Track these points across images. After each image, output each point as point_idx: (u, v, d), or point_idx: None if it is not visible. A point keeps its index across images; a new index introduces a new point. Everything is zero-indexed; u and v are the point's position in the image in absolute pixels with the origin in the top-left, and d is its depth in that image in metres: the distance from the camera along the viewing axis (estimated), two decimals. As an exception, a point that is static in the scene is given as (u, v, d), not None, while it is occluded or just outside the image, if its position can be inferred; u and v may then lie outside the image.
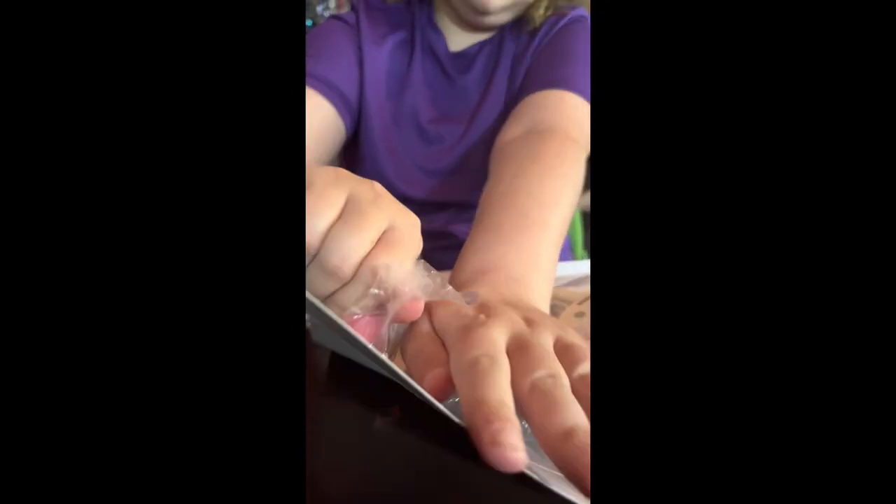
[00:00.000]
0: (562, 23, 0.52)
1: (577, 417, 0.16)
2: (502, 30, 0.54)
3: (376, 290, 0.19)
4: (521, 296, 0.25)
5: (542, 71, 0.49)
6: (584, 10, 0.55)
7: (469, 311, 0.21)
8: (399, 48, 0.54)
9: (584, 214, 0.92)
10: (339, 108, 0.50)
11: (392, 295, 0.20)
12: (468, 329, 0.19)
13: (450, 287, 0.22)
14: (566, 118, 0.43)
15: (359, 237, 0.20)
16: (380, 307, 0.20)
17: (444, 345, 0.20)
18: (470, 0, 0.49)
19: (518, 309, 0.22)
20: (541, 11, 0.52)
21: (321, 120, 0.49)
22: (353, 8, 0.55)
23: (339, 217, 0.20)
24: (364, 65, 0.51)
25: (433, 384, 0.18)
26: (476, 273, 0.27)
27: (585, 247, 0.70)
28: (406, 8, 0.56)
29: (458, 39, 0.55)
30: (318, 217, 0.19)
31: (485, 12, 0.49)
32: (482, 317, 0.20)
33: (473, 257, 0.28)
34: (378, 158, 0.54)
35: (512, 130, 0.43)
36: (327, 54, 0.50)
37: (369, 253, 0.20)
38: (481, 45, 0.55)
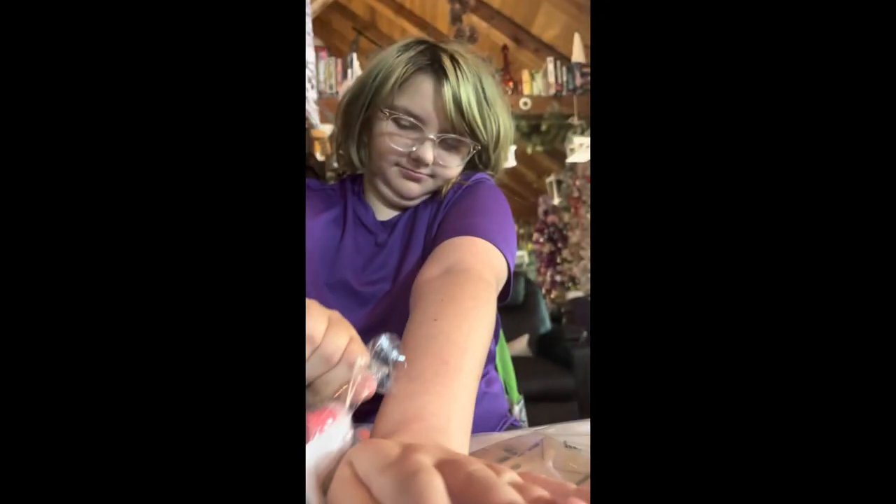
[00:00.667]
0: (467, 184, 0.62)
1: (515, 496, 0.17)
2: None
3: (356, 370, 0.29)
4: (443, 444, 0.27)
5: (454, 221, 0.56)
6: (484, 174, 0.65)
7: (391, 450, 0.22)
8: (333, 223, 0.64)
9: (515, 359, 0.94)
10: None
11: (360, 376, 0.29)
12: (395, 459, 0.21)
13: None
14: (479, 261, 0.48)
15: (343, 337, 0.31)
16: (341, 396, 0.29)
17: (366, 488, 0.21)
18: (396, 189, 0.60)
19: (437, 452, 0.24)
20: (449, 187, 0.62)
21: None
22: None
23: (329, 326, 0.31)
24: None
25: None
26: (399, 424, 0.28)
27: (520, 390, 0.76)
28: (339, 188, 0.67)
29: (385, 212, 0.64)
30: (317, 325, 0.30)
31: (408, 198, 0.60)
32: (407, 448, 0.22)
33: (396, 407, 0.30)
34: None
35: (431, 270, 0.47)
36: None
37: (347, 347, 0.31)
38: (400, 215, 0.64)
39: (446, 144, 0.58)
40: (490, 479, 0.18)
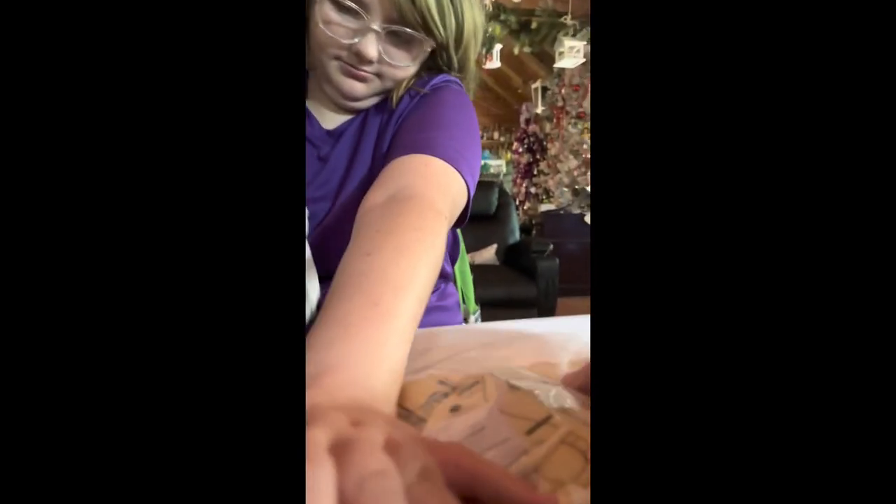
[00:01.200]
0: (426, 89, 0.53)
1: None
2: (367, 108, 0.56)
3: None
4: (360, 398, 0.23)
5: (408, 135, 0.48)
6: (449, 75, 0.55)
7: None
8: None
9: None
10: None
11: None
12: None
13: None
14: (431, 185, 0.42)
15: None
16: None
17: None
18: (337, 87, 0.51)
19: (348, 411, 0.20)
20: (401, 92, 0.53)
21: None
22: None
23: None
24: None
25: None
26: (316, 375, 0.24)
27: (479, 300, 0.71)
28: None
29: (331, 117, 0.56)
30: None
31: (353, 99, 0.52)
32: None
33: (316, 355, 0.25)
34: None
35: (375, 196, 0.40)
36: None
37: None
38: (350, 122, 0.56)
39: (395, 38, 0.48)
40: (385, 495, 0.15)
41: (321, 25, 0.47)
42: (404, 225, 0.36)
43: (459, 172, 0.44)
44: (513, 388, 0.25)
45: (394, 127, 0.52)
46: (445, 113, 0.50)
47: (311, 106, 0.56)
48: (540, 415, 0.22)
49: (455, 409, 0.25)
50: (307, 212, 0.51)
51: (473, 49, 0.54)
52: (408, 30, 0.47)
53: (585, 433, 0.21)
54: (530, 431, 0.22)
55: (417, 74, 0.54)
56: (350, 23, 0.47)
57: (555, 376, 0.28)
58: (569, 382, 0.27)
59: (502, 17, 2.88)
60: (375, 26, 0.46)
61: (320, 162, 0.54)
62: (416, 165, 0.43)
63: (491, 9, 2.89)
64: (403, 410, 0.26)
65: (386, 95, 0.54)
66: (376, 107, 0.54)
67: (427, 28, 0.48)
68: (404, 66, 0.50)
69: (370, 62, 0.48)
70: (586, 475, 0.19)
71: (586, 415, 0.23)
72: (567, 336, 0.38)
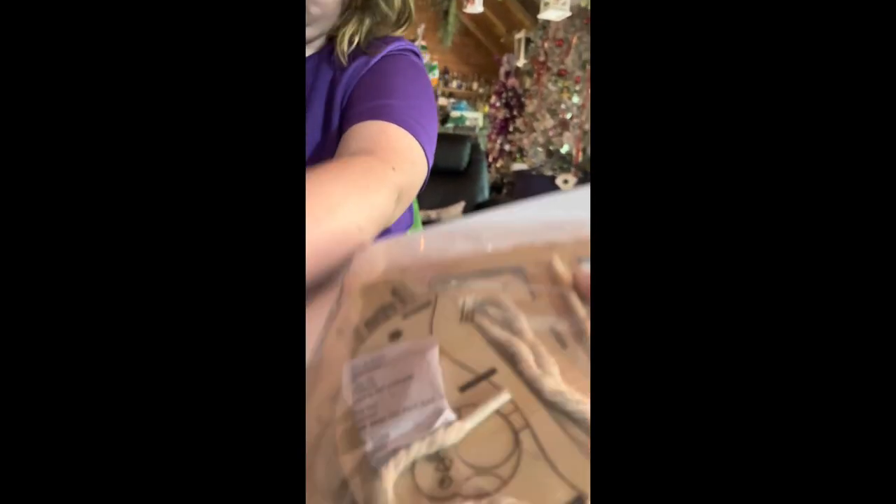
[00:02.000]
0: (381, 54, 0.51)
1: None
2: (320, 54, 0.54)
3: None
4: None
5: (363, 103, 0.47)
6: (404, 41, 0.54)
7: None
8: None
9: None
10: None
11: None
12: None
13: None
14: (387, 149, 0.40)
15: None
16: None
17: None
18: None
19: None
20: (345, 46, 0.51)
21: None
22: None
23: None
24: None
25: None
26: None
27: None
28: None
29: None
30: None
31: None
32: None
33: None
34: None
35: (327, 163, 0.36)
36: None
37: None
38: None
39: None
40: None
41: None
42: (350, 167, 0.34)
43: (418, 141, 0.43)
44: (466, 318, 0.19)
45: (345, 86, 0.50)
46: (402, 81, 0.49)
47: None
48: (482, 365, 0.17)
49: (394, 336, 0.20)
50: None
51: None
52: None
53: (531, 403, 0.16)
54: (464, 388, 0.17)
55: (368, 37, 0.52)
56: None
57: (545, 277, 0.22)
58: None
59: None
60: None
61: None
62: (372, 132, 0.42)
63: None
64: (348, 323, 0.22)
65: (331, 47, 0.53)
66: (326, 60, 0.53)
67: None
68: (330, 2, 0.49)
69: None
70: (509, 467, 0.15)
71: (549, 367, 0.17)
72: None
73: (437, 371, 0.17)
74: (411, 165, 0.41)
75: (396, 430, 0.16)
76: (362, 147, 0.40)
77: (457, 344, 0.18)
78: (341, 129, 0.46)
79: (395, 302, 0.21)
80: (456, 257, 0.22)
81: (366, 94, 0.47)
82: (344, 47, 0.51)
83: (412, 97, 0.47)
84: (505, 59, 4.06)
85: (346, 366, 0.20)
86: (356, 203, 0.29)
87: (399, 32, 0.56)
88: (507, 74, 4.03)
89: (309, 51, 0.55)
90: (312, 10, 0.49)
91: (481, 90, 5.18)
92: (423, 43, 4.27)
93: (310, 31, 0.51)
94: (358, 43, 0.52)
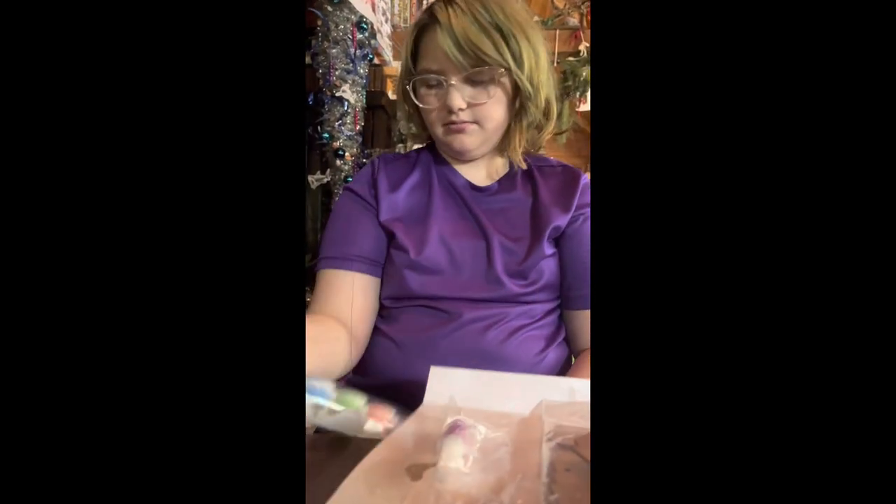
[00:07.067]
0: (587, 209, 0.63)
1: None
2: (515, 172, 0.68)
3: None
4: None
5: (585, 275, 0.60)
6: (586, 176, 0.66)
7: None
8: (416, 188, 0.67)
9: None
10: (371, 272, 0.62)
11: None
12: None
13: None
14: None
15: None
16: None
17: None
18: (448, 146, 0.63)
19: None
20: (516, 145, 0.64)
21: (361, 290, 0.61)
22: (372, 165, 0.69)
23: None
24: (380, 217, 0.64)
25: None
26: None
27: None
28: (416, 154, 0.70)
29: (472, 172, 0.68)
30: None
31: (463, 152, 0.63)
32: None
33: None
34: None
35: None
36: (352, 234, 0.63)
37: None
38: (500, 182, 0.67)
39: (472, 83, 0.58)
40: None
41: (421, 101, 0.61)
42: None
43: None
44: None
45: (548, 196, 0.64)
46: None
47: (461, 169, 0.68)
48: None
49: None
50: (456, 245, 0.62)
51: (539, 72, 0.62)
52: (476, 70, 0.57)
53: None
54: None
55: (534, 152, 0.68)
56: (438, 91, 0.60)
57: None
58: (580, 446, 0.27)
59: (596, 61, 2.88)
60: (454, 81, 0.58)
61: (469, 213, 0.65)
62: None
63: (585, 53, 2.89)
64: None
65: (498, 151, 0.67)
66: (520, 181, 0.67)
67: (486, 60, 0.56)
68: (492, 104, 0.60)
69: (461, 110, 0.59)
70: None
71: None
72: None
73: None
74: None
75: None
76: None
77: None
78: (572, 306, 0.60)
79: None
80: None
81: (583, 265, 0.60)
82: (516, 147, 0.64)
83: None
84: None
85: None
86: None
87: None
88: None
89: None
90: (488, 126, 0.62)
91: (594, 180, 5.24)
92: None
93: (484, 146, 0.64)
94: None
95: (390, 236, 0.63)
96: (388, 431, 0.32)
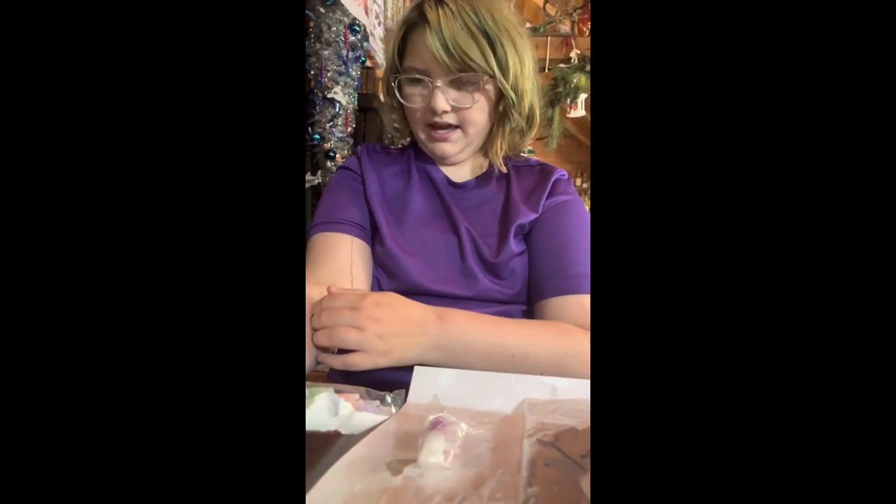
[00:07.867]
0: (556, 200, 0.64)
1: None
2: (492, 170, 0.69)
3: None
4: None
5: (553, 264, 0.59)
6: (561, 171, 0.68)
7: None
8: (396, 176, 0.68)
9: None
10: (364, 238, 0.62)
11: None
12: None
13: None
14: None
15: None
16: None
17: None
18: (432, 151, 0.65)
19: None
20: (498, 150, 0.65)
21: (359, 253, 0.60)
22: (356, 154, 0.70)
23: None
24: (368, 194, 0.65)
25: None
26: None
27: None
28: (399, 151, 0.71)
29: (452, 170, 0.69)
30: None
31: (445, 158, 0.64)
32: None
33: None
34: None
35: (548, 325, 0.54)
36: (346, 203, 0.64)
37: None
38: (477, 179, 0.68)
39: (457, 85, 0.58)
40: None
41: (405, 99, 0.61)
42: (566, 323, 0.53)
43: None
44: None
45: (519, 194, 0.64)
46: (581, 235, 0.60)
47: (442, 166, 0.68)
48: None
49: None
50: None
51: (525, 80, 0.62)
52: (462, 74, 0.57)
53: None
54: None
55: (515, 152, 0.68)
56: (422, 91, 0.59)
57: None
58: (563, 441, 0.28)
59: (587, 67, 2.91)
60: (439, 83, 0.57)
61: (444, 205, 0.65)
62: (574, 307, 0.55)
63: (576, 60, 2.92)
64: None
65: (493, 170, 0.67)
66: (495, 181, 0.67)
67: (472, 66, 0.56)
68: (477, 109, 0.60)
69: (445, 112, 0.59)
70: None
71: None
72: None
73: None
74: None
75: None
76: (579, 323, 0.52)
77: None
78: (540, 294, 0.59)
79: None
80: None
81: (554, 253, 0.59)
82: (498, 153, 0.65)
83: (587, 252, 0.58)
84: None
85: None
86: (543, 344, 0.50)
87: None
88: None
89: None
90: (471, 132, 0.62)
91: (584, 185, 5.28)
92: (530, 147, 4.55)
93: (466, 151, 0.65)
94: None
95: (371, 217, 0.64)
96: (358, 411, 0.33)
